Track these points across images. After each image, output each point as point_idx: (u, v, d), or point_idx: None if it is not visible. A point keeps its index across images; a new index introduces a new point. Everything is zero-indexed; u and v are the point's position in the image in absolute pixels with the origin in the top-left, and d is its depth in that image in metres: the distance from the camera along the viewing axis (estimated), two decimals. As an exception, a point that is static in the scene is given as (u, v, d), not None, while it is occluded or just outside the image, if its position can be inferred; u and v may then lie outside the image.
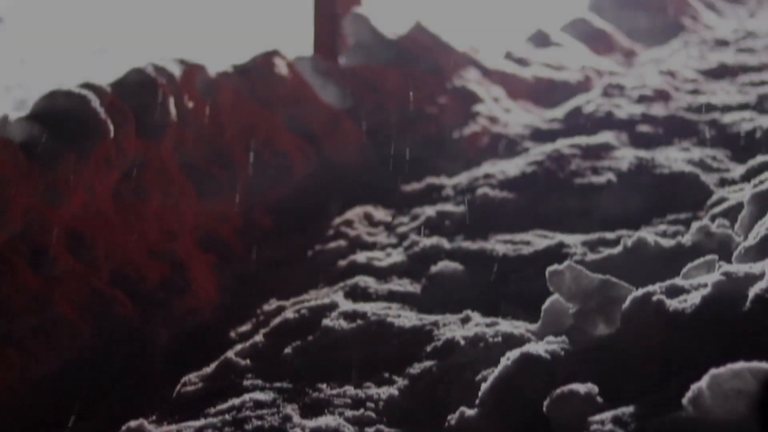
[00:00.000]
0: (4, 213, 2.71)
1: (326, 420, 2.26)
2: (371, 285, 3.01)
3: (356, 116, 4.16)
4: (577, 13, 6.73)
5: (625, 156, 3.80)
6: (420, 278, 3.04)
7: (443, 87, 4.52)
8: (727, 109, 4.55)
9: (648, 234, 2.96)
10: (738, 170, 3.72)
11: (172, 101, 3.36)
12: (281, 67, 4.03)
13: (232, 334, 2.91)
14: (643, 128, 4.26)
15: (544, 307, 2.43)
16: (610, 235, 3.16)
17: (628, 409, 1.90)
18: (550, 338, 2.24)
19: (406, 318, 2.69)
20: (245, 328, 2.93)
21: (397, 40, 4.59)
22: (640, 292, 2.17)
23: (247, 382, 2.50)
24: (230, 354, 2.62)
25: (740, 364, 1.78)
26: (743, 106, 4.59)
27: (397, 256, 3.22)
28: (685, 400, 1.79)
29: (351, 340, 2.64)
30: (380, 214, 3.63)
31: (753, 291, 2.05)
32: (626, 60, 6.23)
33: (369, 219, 3.58)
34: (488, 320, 2.62)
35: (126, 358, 2.80)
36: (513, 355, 2.14)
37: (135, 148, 3.19)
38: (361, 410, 2.32)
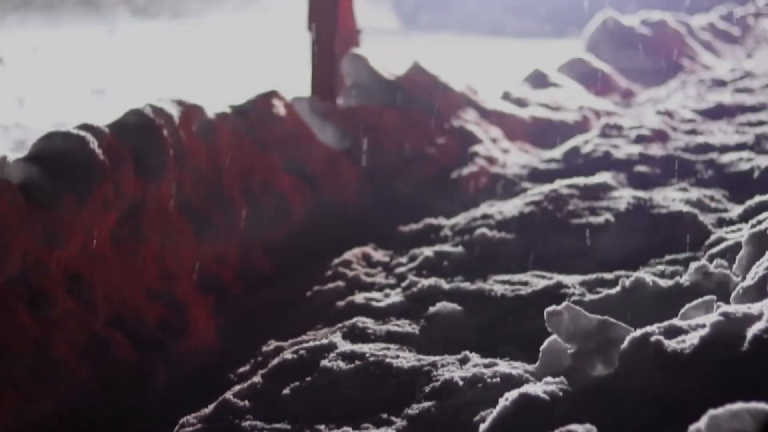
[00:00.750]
0: (3, 254, 2.71)
1: (325, 461, 2.25)
2: (370, 326, 3.00)
3: (354, 157, 4.16)
4: (575, 53, 6.77)
5: (623, 196, 3.81)
6: (418, 319, 3.03)
7: (441, 127, 4.53)
8: (725, 149, 4.57)
9: (646, 274, 2.96)
10: (736, 210, 3.72)
11: (170, 142, 3.37)
12: (279, 108, 4.04)
13: (231, 375, 2.90)
14: (641, 168, 4.27)
15: (543, 347, 2.43)
16: (608, 276, 3.16)
17: (627, 451, 1.89)
18: (549, 379, 2.23)
19: (405, 359, 2.69)
20: (244, 369, 2.92)
21: (396, 80, 4.60)
22: (639, 332, 2.17)
23: (245, 423, 2.49)
24: (228, 395, 2.61)
25: (739, 405, 1.77)
26: (741, 146, 4.61)
27: (395, 296, 3.21)
28: (684, 441, 1.79)
29: (349, 381, 2.63)
30: (378, 254, 3.62)
31: (751, 331, 2.04)
32: (624, 100, 6.26)
33: (367, 260, 3.58)
34: (487, 361, 2.61)
35: (124, 400, 2.79)
36: (511, 395, 2.13)
37: (133, 189, 3.19)
38: (360, 451, 2.32)
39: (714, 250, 3.20)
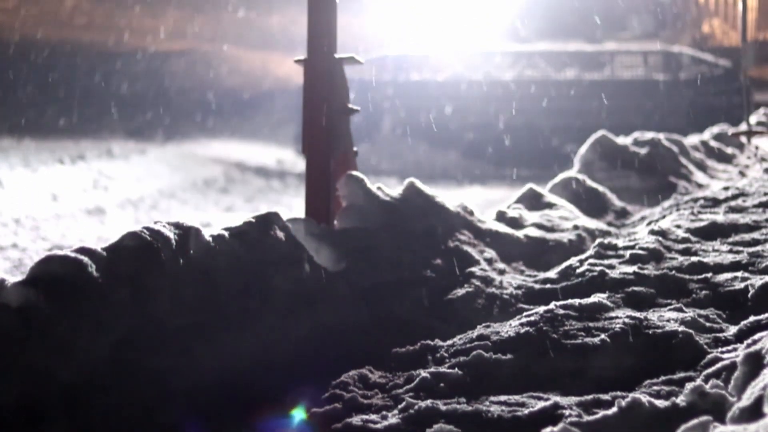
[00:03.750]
0: (1, 379, 2.71)
1: None
2: (367, 448, 2.99)
3: (350, 278, 4.18)
4: (568, 173, 6.83)
5: (619, 316, 3.82)
6: (416, 441, 3.03)
7: (437, 248, 4.55)
8: (719, 268, 4.59)
9: (642, 395, 2.96)
10: (731, 330, 3.73)
11: (168, 265, 3.39)
12: (276, 230, 4.06)
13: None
14: (636, 288, 4.28)
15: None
16: (604, 396, 3.16)
17: None
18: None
19: (402, 482, 2.68)
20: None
21: (391, 201, 4.63)
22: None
23: None
24: None
25: None
26: (735, 266, 4.63)
27: (392, 418, 3.20)
28: None
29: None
30: (375, 376, 3.62)
31: (747, 453, 2.05)
32: (618, 219, 6.29)
33: (364, 381, 3.57)
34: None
35: None
36: None
37: (131, 312, 3.21)
38: None
39: (710, 370, 3.20)
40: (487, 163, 15.91)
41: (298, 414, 3.41)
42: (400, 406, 3.28)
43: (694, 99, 15.82)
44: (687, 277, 4.46)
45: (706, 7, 20.69)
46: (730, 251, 4.94)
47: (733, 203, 6.18)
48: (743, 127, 10.19)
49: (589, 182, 6.53)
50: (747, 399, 2.51)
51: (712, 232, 5.37)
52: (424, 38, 18.18)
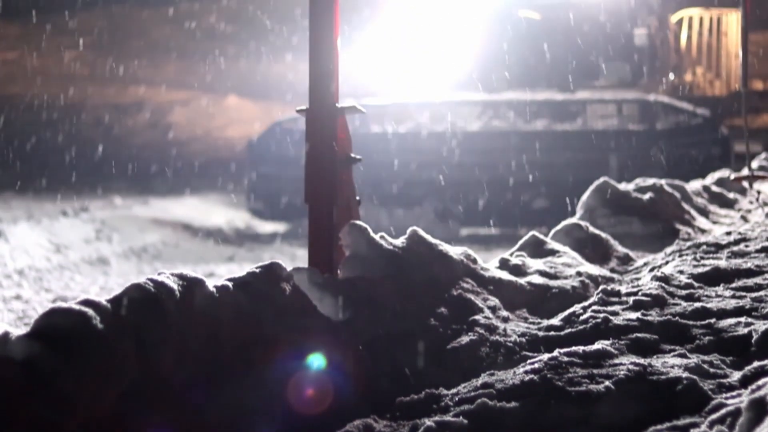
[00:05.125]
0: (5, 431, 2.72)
1: None
2: (372, 499, 2.99)
3: (354, 328, 4.18)
4: (570, 219, 6.84)
5: (623, 363, 3.82)
6: (421, 491, 3.02)
7: (440, 297, 4.56)
8: (722, 314, 4.59)
9: (647, 442, 2.96)
10: (735, 375, 3.73)
11: (172, 317, 3.40)
12: (279, 280, 4.07)
13: None
14: (640, 335, 4.28)
15: None
16: (609, 444, 3.17)
17: None
18: None
19: None
20: None
21: (394, 250, 4.64)
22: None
23: None
24: None
25: None
26: (739, 311, 4.63)
27: (397, 469, 3.21)
28: None
29: None
30: (380, 426, 3.62)
31: (753, 501, 2.04)
32: (621, 266, 6.30)
33: (369, 431, 3.58)
34: None
35: None
36: None
37: (135, 364, 3.21)
38: None
39: (714, 416, 3.20)
40: (452, 224, 15.21)
41: None
42: (405, 456, 3.28)
43: (671, 150, 15.03)
44: (690, 323, 4.47)
45: (688, 55, 20.21)
46: (733, 296, 4.94)
47: (735, 248, 6.18)
48: (745, 171, 10.22)
49: (592, 229, 6.54)
50: (752, 445, 2.51)
51: (715, 277, 5.37)
52: (384, 87, 17.53)
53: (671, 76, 18.98)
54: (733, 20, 20.20)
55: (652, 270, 5.78)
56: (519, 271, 5.34)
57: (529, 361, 3.98)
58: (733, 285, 5.20)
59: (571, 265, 5.65)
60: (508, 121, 16.22)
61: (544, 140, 15.44)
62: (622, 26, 17.91)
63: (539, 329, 4.60)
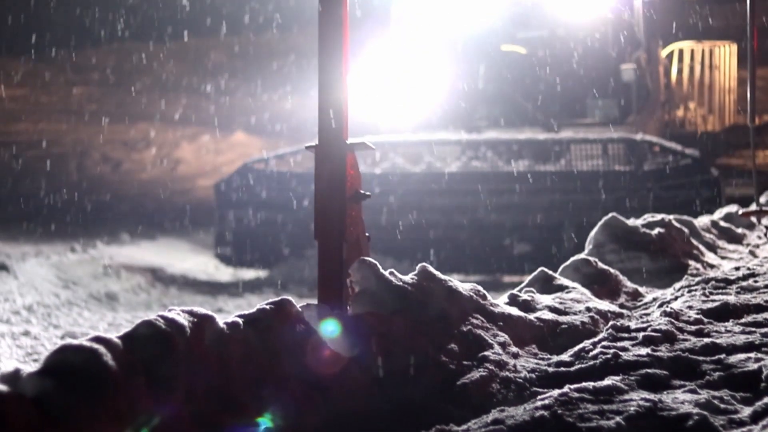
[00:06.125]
0: (16, 470, 2.72)
1: None
2: None
3: (364, 364, 4.18)
4: (579, 255, 6.84)
5: (633, 399, 3.81)
6: None
7: (450, 333, 4.56)
8: (732, 349, 4.59)
9: (659, 479, 2.96)
10: (746, 411, 3.72)
11: (182, 353, 3.41)
12: (289, 316, 4.08)
13: None
14: (650, 370, 4.28)
15: None
16: (621, 481, 3.16)
17: None
18: None
19: None
20: None
21: (404, 286, 4.65)
22: None
23: None
24: None
25: None
26: (748, 347, 4.63)
27: (408, 505, 3.20)
28: None
29: None
30: (390, 462, 3.62)
31: None
32: (630, 301, 6.30)
33: (379, 467, 3.57)
34: None
35: None
36: None
37: (146, 401, 3.22)
38: None
39: (726, 452, 3.20)
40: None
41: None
42: (416, 493, 3.27)
43: (658, 192, 14.41)
44: (700, 358, 4.46)
45: (679, 89, 19.53)
46: (743, 332, 4.94)
47: (744, 283, 6.18)
48: (753, 206, 10.22)
49: (601, 264, 6.55)
50: (764, 482, 2.51)
51: (724, 312, 5.37)
52: (358, 125, 16.61)
53: (662, 112, 18.39)
54: (725, 53, 19.74)
55: (661, 305, 5.78)
56: (528, 306, 5.34)
57: (539, 397, 3.98)
58: (743, 320, 5.20)
59: (580, 300, 5.65)
60: (488, 162, 15.57)
61: (525, 182, 14.83)
62: (610, 61, 17.23)
63: (549, 365, 4.59)
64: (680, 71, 19.55)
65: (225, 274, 16.55)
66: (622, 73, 16.97)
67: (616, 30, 17.23)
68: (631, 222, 7.92)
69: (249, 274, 16.18)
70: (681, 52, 19.51)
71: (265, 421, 3.56)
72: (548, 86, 17.18)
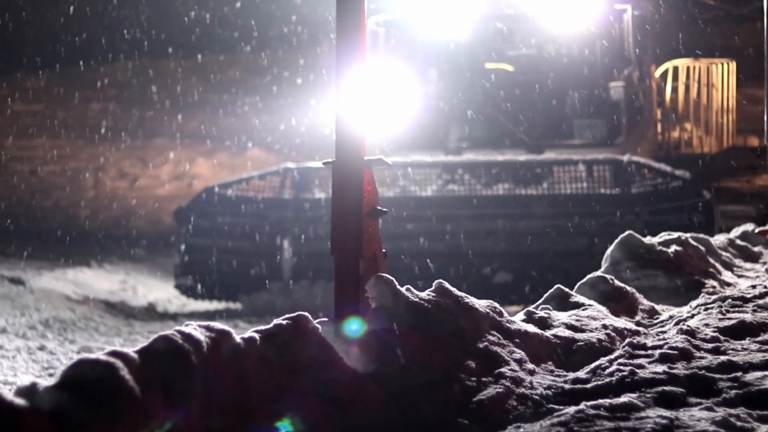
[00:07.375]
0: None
1: None
2: None
3: (380, 380, 4.18)
4: (596, 273, 6.83)
5: (650, 416, 3.81)
6: None
7: (466, 349, 4.56)
8: (749, 367, 4.58)
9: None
10: (762, 429, 3.72)
11: (199, 368, 3.41)
12: (306, 332, 4.08)
13: None
14: (667, 388, 4.27)
15: None
16: (638, 498, 3.15)
17: None
18: None
19: None
20: None
21: (421, 303, 4.65)
22: None
23: None
24: None
25: None
26: (765, 365, 4.62)
27: None
28: None
29: None
30: (406, 478, 3.61)
31: None
32: (647, 319, 6.28)
33: (395, 484, 3.57)
34: None
35: None
36: None
37: (162, 415, 3.22)
38: None
39: (742, 469, 3.19)
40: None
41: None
42: None
43: (647, 217, 13.49)
44: (717, 376, 4.45)
45: (674, 109, 18.69)
46: (759, 350, 4.93)
47: (761, 302, 6.17)
48: (768, 224, 10.20)
49: (617, 282, 6.54)
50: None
51: (741, 330, 5.36)
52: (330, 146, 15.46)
53: (655, 132, 17.54)
54: (723, 71, 18.99)
55: (677, 323, 5.77)
56: (544, 323, 5.34)
57: (555, 413, 3.97)
58: (760, 338, 5.19)
59: (596, 318, 5.64)
60: (466, 185, 14.43)
61: (505, 206, 13.94)
62: (598, 79, 16.22)
63: (565, 382, 4.59)
64: (675, 90, 18.64)
65: (188, 305, 15.65)
66: (611, 91, 15.99)
67: (605, 47, 16.31)
68: (648, 240, 7.90)
69: (218, 305, 15.03)
70: (676, 69, 18.65)
71: (284, 425, 3.56)
72: (534, 105, 16.26)
